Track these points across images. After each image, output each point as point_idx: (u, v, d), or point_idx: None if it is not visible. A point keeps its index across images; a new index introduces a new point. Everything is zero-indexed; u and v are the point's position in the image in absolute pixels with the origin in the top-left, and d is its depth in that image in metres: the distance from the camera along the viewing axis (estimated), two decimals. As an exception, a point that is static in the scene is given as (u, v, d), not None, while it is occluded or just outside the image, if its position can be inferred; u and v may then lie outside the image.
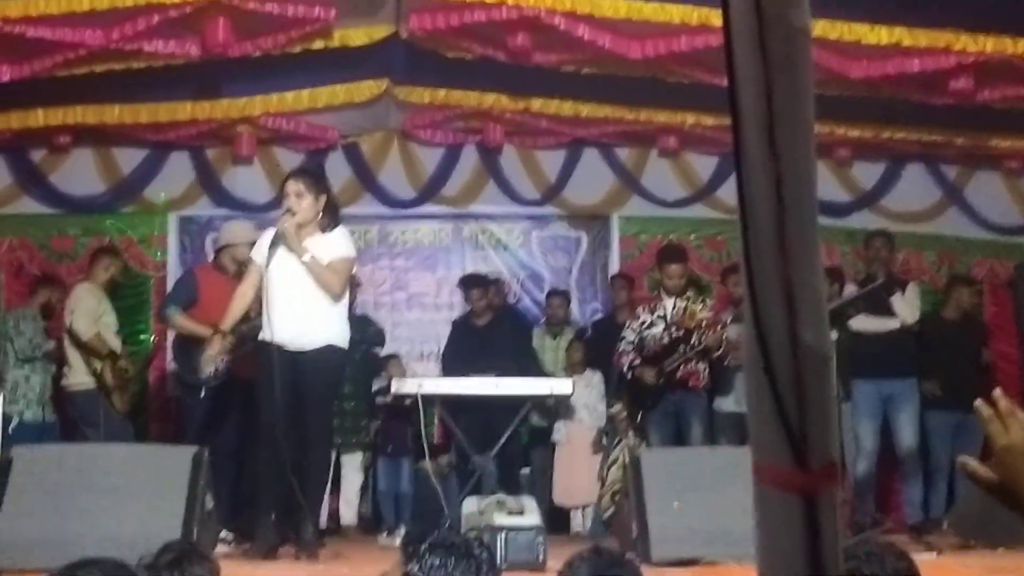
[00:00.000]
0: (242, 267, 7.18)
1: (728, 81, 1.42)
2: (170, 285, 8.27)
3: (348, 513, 8.27)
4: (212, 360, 6.58)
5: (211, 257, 7.68)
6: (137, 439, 7.87)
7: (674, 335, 7.37)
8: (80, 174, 9.15)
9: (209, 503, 5.29)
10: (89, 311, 7.71)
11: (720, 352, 7.27)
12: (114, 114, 8.15)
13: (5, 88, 7.25)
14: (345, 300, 5.99)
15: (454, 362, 8.22)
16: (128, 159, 9.21)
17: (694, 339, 7.26)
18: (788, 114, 1.39)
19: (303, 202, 5.85)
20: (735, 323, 7.12)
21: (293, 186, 5.92)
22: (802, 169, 1.38)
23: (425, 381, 7.53)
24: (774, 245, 1.34)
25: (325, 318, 5.84)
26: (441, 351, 8.76)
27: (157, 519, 4.96)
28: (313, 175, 6.23)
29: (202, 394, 6.72)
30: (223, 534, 6.29)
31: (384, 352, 8.62)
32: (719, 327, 7.23)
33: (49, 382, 7.96)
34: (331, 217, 5.97)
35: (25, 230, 9.25)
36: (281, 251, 5.83)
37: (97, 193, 9.22)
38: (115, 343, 7.82)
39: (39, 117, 8.10)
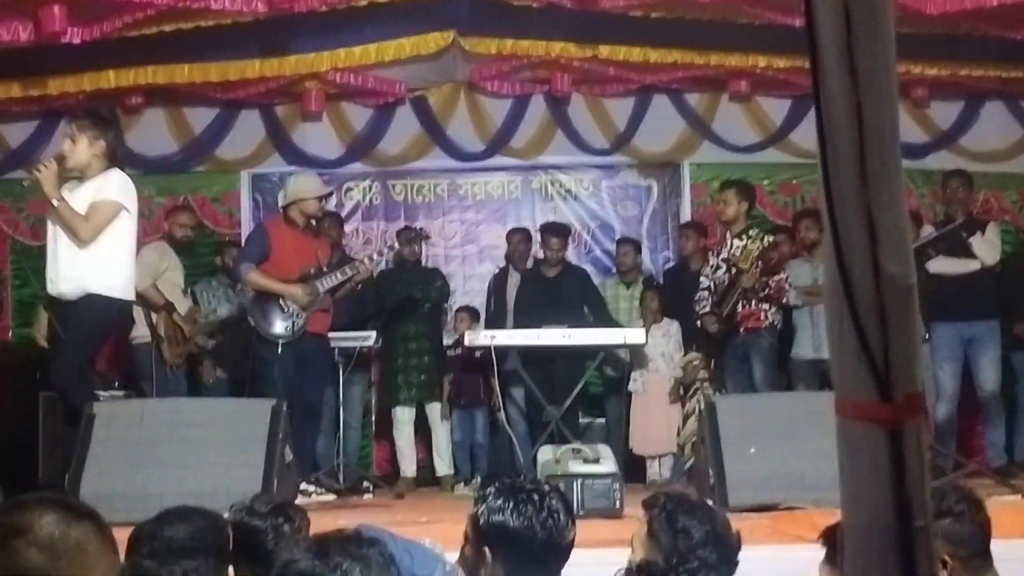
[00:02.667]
0: (310, 220, 7.23)
1: (805, 6, 1.38)
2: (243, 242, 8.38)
3: (440, 464, 8.38)
4: (289, 316, 6.69)
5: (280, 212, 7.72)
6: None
7: (732, 276, 7.26)
8: (153, 134, 9.25)
9: (288, 456, 5.36)
10: (147, 265, 7.80)
11: (764, 293, 7.13)
12: (184, 74, 8.21)
13: (76, 50, 7.32)
14: (115, 246, 5.64)
15: (522, 314, 8.19)
16: (199, 118, 9.30)
17: (743, 280, 7.13)
18: (868, 39, 1.34)
19: (77, 146, 5.67)
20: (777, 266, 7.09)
21: (67, 129, 5.80)
22: (883, 95, 1.34)
23: (498, 333, 7.54)
24: (855, 173, 1.30)
25: (84, 265, 5.58)
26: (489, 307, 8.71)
27: (237, 472, 5.05)
28: (91, 117, 5.89)
29: (279, 350, 6.80)
30: (303, 486, 6.39)
31: (457, 305, 8.68)
32: (767, 266, 7.09)
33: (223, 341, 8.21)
34: (109, 160, 5.72)
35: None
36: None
37: (170, 153, 9.33)
38: (180, 301, 7.91)
39: (111, 78, 8.18)
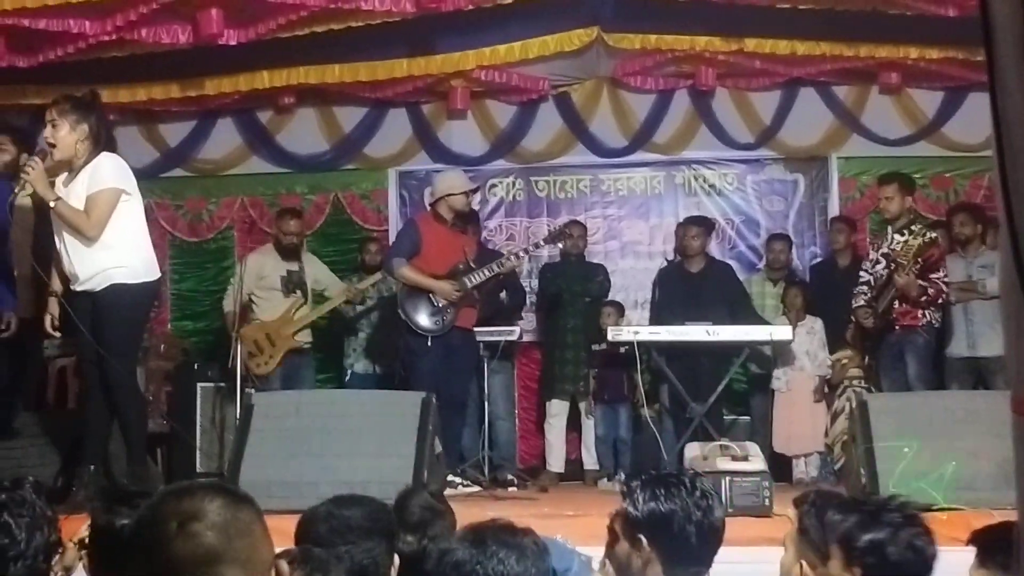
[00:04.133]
0: (458, 216, 7.34)
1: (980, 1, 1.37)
2: (391, 239, 8.53)
3: (588, 459, 8.46)
4: (439, 311, 6.81)
5: (428, 209, 7.83)
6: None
7: (891, 272, 7.08)
8: (304, 133, 9.51)
9: (438, 447, 5.45)
10: (241, 284, 7.99)
11: (924, 298, 6.94)
12: (334, 74, 8.41)
13: (232, 52, 7.56)
14: (125, 230, 5.41)
15: (667, 309, 8.15)
16: (349, 117, 9.50)
17: (898, 277, 6.94)
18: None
19: (59, 132, 5.35)
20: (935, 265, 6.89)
21: (48, 116, 5.40)
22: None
23: (641, 329, 7.53)
24: (1033, 168, 1.28)
25: (100, 258, 5.36)
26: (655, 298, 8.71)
27: (389, 462, 5.15)
28: (72, 100, 5.48)
29: (428, 343, 6.93)
30: (449, 477, 6.50)
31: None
32: (926, 264, 6.89)
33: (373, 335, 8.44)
34: (95, 144, 5.40)
35: (255, 188, 9.69)
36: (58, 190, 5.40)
37: (320, 151, 9.55)
38: (279, 304, 8.05)
39: (264, 79, 8.43)
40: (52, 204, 5.32)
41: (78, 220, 5.33)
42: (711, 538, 2.67)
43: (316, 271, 8.32)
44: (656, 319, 8.11)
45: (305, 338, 8.18)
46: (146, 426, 5.92)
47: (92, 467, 5.45)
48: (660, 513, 2.63)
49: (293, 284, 8.12)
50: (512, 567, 2.35)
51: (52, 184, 5.41)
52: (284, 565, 1.81)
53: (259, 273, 8.10)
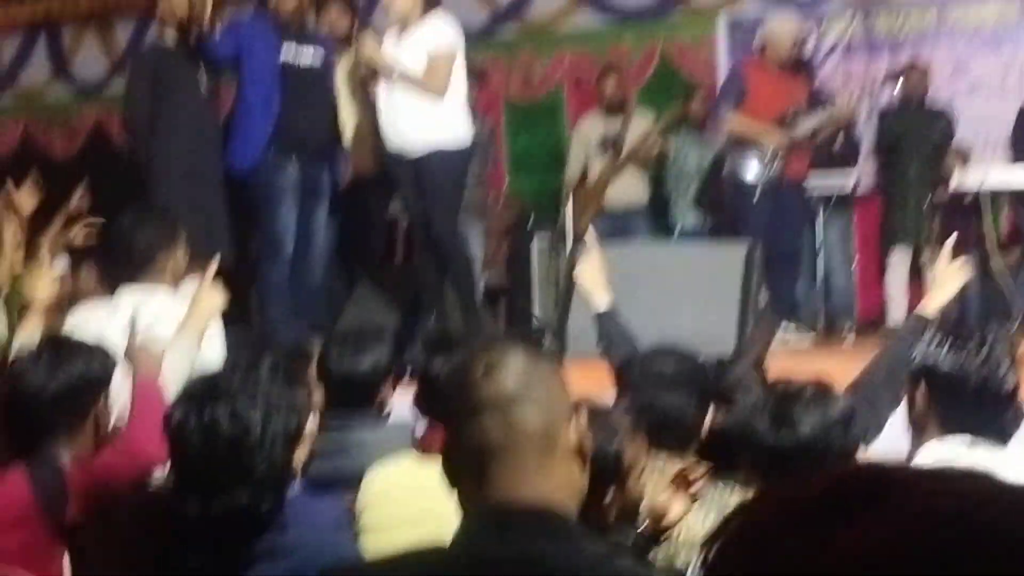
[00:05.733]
0: (788, 61, 7.05)
1: None
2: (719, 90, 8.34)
3: None
4: (767, 160, 6.63)
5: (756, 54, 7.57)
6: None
7: None
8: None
9: (763, 299, 5.38)
10: (576, 160, 8.18)
11: None
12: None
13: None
14: (452, 95, 5.59)
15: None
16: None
17: None
18: None
19: None
20: None
21: None
22: None
23: (990, 172, 7.06)
24: None
25: (427, 120, 5.55)
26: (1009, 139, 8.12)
27: (712, 316, 5.14)
28: None
29: (757, 195, 6.77)
30: (781, 329, 6.42)
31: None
32: None
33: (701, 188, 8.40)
34: (427, 3, 5.58)
35: (583, 44, 9.69)
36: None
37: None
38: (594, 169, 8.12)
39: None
40: (393, 78, 5.57)
41: (421, 84, 5.55)
42: (993, 401, 2.52)
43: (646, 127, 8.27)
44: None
45: (629, 197, 8.18)
46: (474, 280, 6.22)
47: (430, 319, 5.79)
48: (939, 370, 2.52)
49: (606, 145, 8.14)
50: (812, 434, 2.33)
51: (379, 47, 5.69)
52: (584, 416, 1.90)
53: (584, 136, 8.20)
